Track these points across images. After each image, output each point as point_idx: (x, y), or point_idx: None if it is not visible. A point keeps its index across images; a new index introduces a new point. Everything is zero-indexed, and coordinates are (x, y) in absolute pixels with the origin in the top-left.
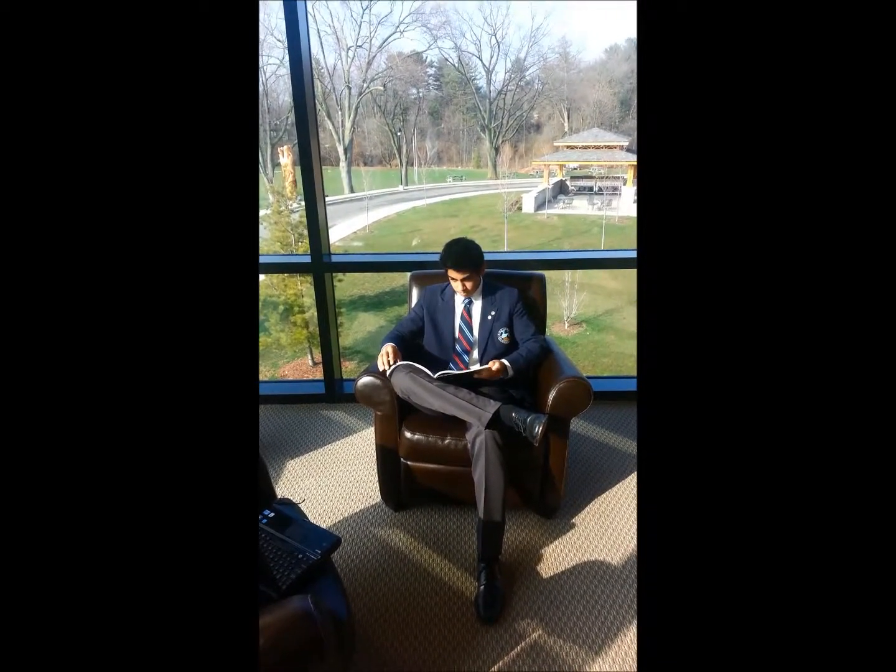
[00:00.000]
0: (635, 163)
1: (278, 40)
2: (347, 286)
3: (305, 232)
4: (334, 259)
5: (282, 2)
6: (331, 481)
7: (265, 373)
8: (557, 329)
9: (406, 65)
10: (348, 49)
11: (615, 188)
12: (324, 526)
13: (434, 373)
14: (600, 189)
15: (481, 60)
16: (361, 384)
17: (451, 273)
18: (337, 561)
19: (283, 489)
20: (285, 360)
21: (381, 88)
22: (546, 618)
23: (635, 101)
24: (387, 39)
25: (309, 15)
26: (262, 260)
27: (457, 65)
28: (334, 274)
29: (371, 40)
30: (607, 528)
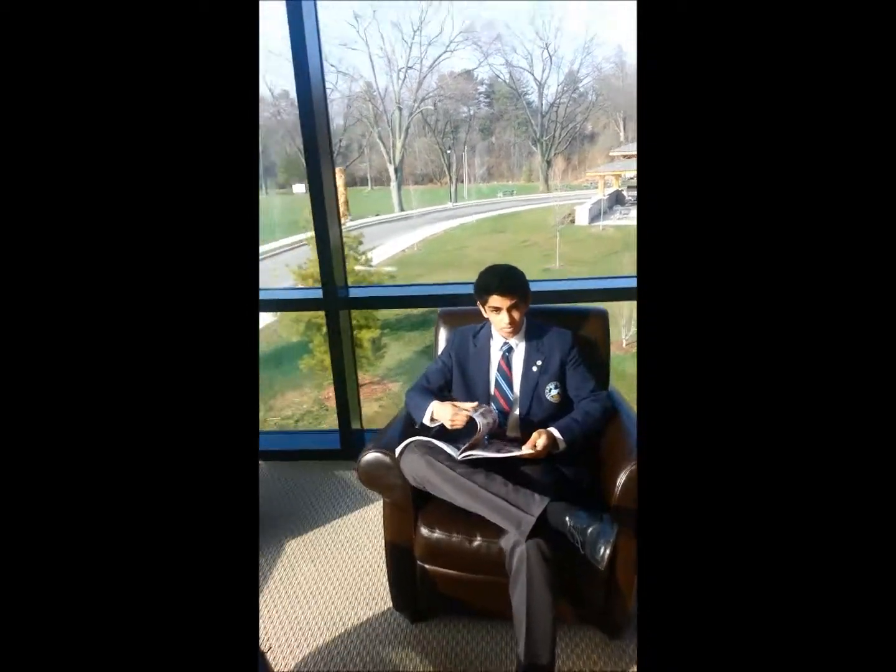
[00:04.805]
0: None
1: (331, 66)
2: None
3: (351, 252)
4: (353, 294)
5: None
6: (335, 572)
7: (309, 394)
8: (614, 349)
9: (456, 83)
10: (399, 70)
11: None
12: (319, 641)
13: (459, 447)
14: None
15: (533, 74)
16: (366, 462)
17: (496, 300)
18: None
19: (276, 578)
20: (329, 381)
21: (432, 108)
22: None
23: None
24: (437, 59)
25: (360, 39)
26: (263, 296)
27: (508, 80)
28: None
29: (422, 60)
30: None
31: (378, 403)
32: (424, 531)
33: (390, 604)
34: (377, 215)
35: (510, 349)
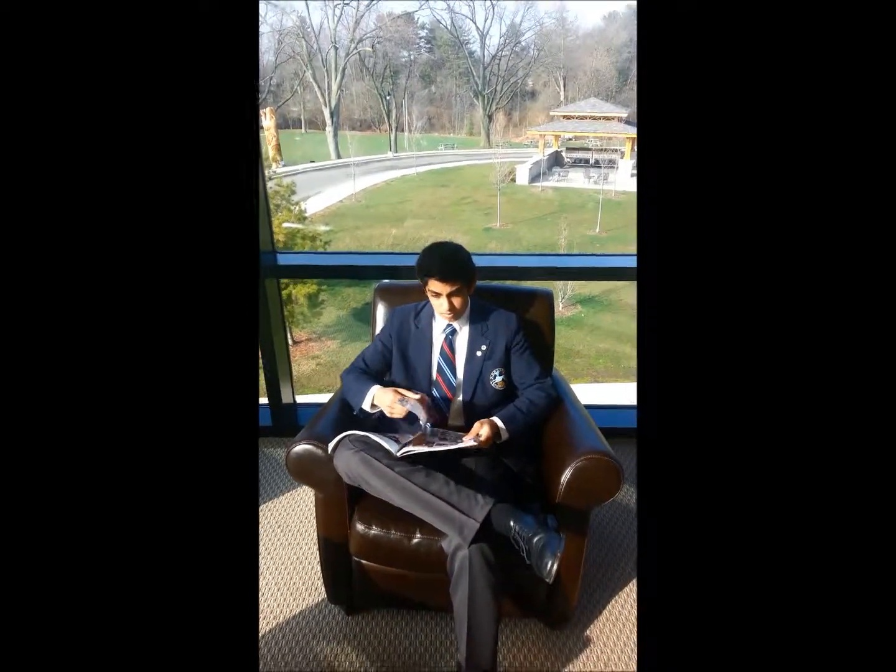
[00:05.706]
0: (633, 135)
1: None
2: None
3: (283, 203)
4: (281, 261)
5: None
6: (264, 560)
7: None
8: None
9: (396, 25)
10: (335, 7)
11: (612, 161)
12: None
13: (398, 440)
14: (597, 161)
15: (475, 23)
16: (296, 455)
17: (435, 285)
18: None
19: None
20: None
21: (370, 49)
22: None
23: (634, 71)
24: None
25: None
26: None
27: (449, 27)
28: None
29: None
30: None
31: (315, 361)
32: (360, 527)
33: (325, 595)
34: (312, 162)
35: (454, 332)
